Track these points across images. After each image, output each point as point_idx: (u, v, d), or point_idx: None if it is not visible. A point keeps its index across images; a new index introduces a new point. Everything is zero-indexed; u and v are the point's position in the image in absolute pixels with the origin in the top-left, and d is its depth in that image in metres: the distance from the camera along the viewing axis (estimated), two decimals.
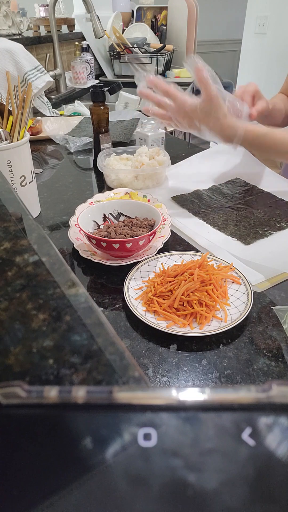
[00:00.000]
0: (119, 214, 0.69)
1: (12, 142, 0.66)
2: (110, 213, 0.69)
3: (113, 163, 0.87)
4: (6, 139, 0.67)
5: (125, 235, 0.61)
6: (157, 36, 2.33)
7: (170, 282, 0.52)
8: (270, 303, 0.53)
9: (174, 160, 1.03)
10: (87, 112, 1.42)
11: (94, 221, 0.67)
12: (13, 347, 0.20)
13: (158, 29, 2.37)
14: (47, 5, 1.80)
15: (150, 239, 0.59)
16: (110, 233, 0.62)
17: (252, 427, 0.12)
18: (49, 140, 1.19)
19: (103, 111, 0.92)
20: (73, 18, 2.03)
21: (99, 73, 2.21)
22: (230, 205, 0.80)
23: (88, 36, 2.02)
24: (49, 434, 0.12)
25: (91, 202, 0.73)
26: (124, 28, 2.29)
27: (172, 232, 0.69)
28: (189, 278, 0.52)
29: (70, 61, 1.93)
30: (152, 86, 0.74)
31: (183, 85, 2.19)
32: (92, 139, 1.01)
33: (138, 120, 1.25)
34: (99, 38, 1.53)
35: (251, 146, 0.78)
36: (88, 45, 2.02)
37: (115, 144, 1.08)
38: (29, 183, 0.71)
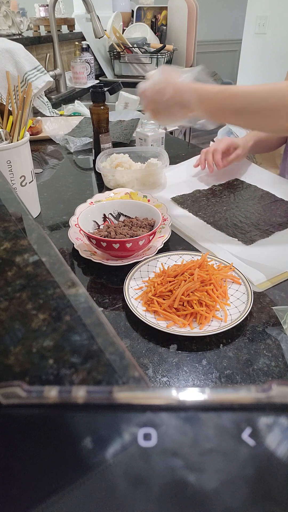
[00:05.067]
0: (119, 214, 0.69)
1: (12, 142, 0.66)
2: (110, 213, 0.69)
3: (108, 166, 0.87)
4: (6, 139, 0.67)
5: (125, 235, 0.61)
6: (157, 36, 2.32)
7: (170, 282, 0.52)
8: (270, 303, 0.53)
9: (174, 160, 1.03)
10: (87, 112, 1.42)
11: (94, 221, 0.67)
12: (13, 347, 0.20)
13: (158, 29, 2.37)
14: (47, 5, 1.80)
15: (150, 239, 0.59)
16: (110, 233, 0.62)
17: (252, 427, 0.12)
18: (49, 140, 1.19)
19: (103, 111, 0.92)
20: (73, 18, 2.03)
21: (99, 73, 2.21)
22: (230, 205, 0.80)
23: (88, 36, 2.02)
24: (49, 434, 0.12)
25: (91, 202, 0.73)
26: (124, 28, 2.28)
27: (172, 232, 0.69)
28: (189, 278, 0.52)
29: (70, 61, 1.93)
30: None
31: None
32: (92, 139, 1.01)
33: (138, 120, 1.25)
34: (99, 38, 1.53)
35: (211, 110, 0.67)
36: (88, 45, 2.02)
37: (115, 144, 1.08)
38: (29, 183, 0.71)
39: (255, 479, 0.11)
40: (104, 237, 0.60)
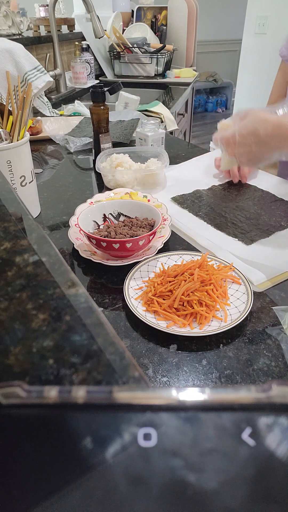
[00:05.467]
0: (119, 214, 0.69)
1: (12, 142, 0.66)
2: (110, 213, 0.69)
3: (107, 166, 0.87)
4: (6, 139, 0.67)
5: (125, 235, 0.61)
6: (157, 36, 2.33)
7: (170, 282, 0.52)
8: (270, 303, 0.53)
9: (174, 160, 1.03)
10: (87, 112, 1.42)
11: (94, 221, 0.67)
12: (13, 347, 0.20)
13: (158, 29, 2.37)
14: (47, 5, 1.80)
15: (150, 239, 0.59)
16: (110, 233, 0.62)
17: (252, 427, 0.12)
18: (49, 140, 1.19)
19: (103, 111, 0.92)
20: (73, 18, 2.03)
21: (99, 73, 2.21)
22: (230, 205, 0.80)
23: (88, 36, 2.02)
24: (49, 434, 0.12)
25: (91, 202, 0.73)
26: (124, 28, 2.29)
27: (172, 232, 0.69)
28: (189, 278, 0.52)
29: (70, 61, 1.93)
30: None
31: (183, 85, 2.18)
32: (92, 139, 1.01)
33: (138, 120, 1.25)
34: (99, 38, 1.53)
35: None
36: (88, 45, 2.02)
37: (115, 144, 1.08)
38: (29, 183, 0.71)
39: (255, 479, 0.11)
40: (104, 237, 0.60)
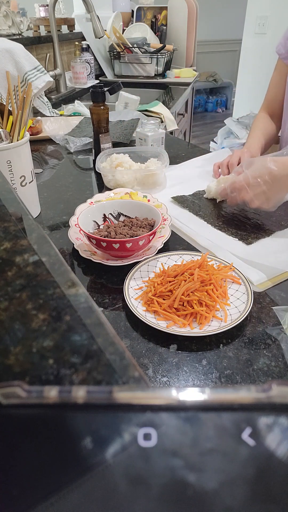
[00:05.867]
0: (119, 214, 0.69)
1: (12, 142, 0.66)
2: (110, 213, 0.69)
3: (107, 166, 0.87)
4: (6, 139, 0.67)
5: (125, 235, 0.61)
6: (157, 36, 2.33)
7: (170, 282, 0.52)
8: (270, 303, 0.53)
9: (174, 160, 1.03)
10: (87, 112, 1.42)
11: (94, 221, 0.67)
12: (13, 347, 0.20)
13: (158, 29, 2.37)
14: (47, 5, 1.80)
15: (150, 239, 0.59)
16: (110, 233, 0.62)
17: (252, 427, 0.12)
18: (49, 140, 1.19)
19: (103, 111, 0.92)
20: (73, 18, 2.03)
21: (99, 73, 2.21)
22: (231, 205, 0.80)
23: (88, 36, 2.02)
24: (49, 434, 0.12)
25: (91, 202, 0.73)
26: (124, 28, 2.28)
27: (172, 232, 0.69)
28: (189, 278, 0.52)
29: (70, 61, 1.93)
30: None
31: (183, 85, 2.18)
32: (92, 139, 1.01)
33: (138, 120, 1.25)
34: (99, 38, 1.53)
35: None
36: (88, 45, 2.02)
37: (115, 144, 1.08)
38: (29, 183, 0.71)
39: (255, 479, 0.11)
40: (104, 237, 0.60)
